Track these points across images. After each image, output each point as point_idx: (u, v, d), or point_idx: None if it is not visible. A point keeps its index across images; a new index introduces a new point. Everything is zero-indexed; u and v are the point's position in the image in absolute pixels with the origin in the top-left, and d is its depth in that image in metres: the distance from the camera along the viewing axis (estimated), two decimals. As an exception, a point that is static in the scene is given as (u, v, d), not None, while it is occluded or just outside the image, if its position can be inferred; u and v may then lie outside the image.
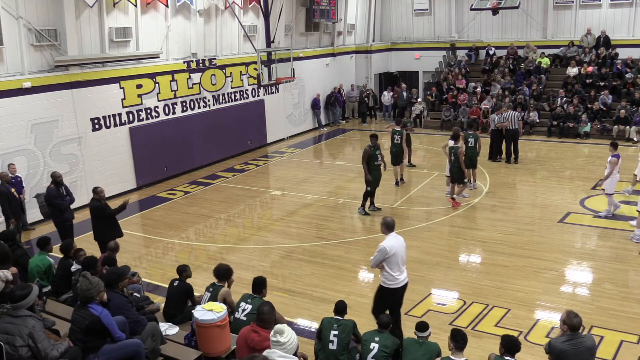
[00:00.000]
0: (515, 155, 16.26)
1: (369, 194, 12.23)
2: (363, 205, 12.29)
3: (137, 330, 5.79)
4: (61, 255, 7.55)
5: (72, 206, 10.42)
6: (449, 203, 12.75)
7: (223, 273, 6.77)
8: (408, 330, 6.32)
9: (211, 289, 6.68)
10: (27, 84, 12.09)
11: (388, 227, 6.71)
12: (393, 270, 6.62)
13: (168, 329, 6.29)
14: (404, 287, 6.81)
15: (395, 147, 14.15)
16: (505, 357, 5.10)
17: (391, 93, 24.09)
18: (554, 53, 22.53)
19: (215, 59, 17.27)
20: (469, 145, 13.43)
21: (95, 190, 9.45)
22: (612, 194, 11.39)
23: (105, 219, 9.39)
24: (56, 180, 9.93)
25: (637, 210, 10.29)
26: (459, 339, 5.23)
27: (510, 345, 5.13)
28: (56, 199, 9.84)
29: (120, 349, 5.25)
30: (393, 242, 6.61)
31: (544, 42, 22.97)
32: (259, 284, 6.37)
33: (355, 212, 12.53)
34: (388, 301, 6.83)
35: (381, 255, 6.59)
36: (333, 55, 23.71)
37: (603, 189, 11.59)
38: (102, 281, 5.48)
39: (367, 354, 5.66)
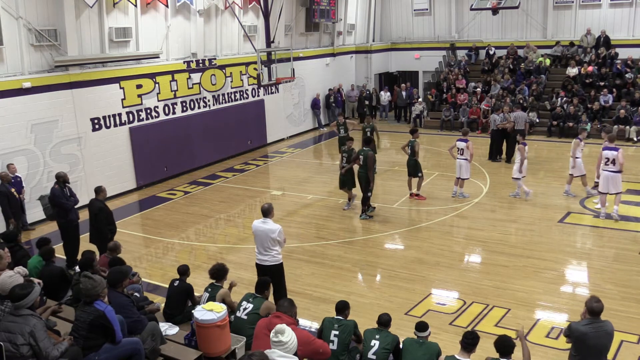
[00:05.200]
0: (516, 156, 16.25)
1: (369, 199, 12.16)
2: (364, 210, 12.18)
3: (138, 330, 5.79)
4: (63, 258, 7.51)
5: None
6: (451, 203, 12.74)
7: (215, 272, 6.78)
8: (408, 330, 6.33)
9: (210, 290, 6.68)
10: (27, 84, 12.09)
11: (261, 211, 7.57)
12: (256, 247, 7.62)
13: (168, 329, 6.28)
14: (259, 267, 7.57)
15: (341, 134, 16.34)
16: (501, 360, 5.12)
17: (388, 93, 24.09)
18: (548, 53, 22.52)
19: (215, 59, 17.28)
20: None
21: (100, 189, 9.40)
22: (519, 179, 12.82)
23: (106, 220, 9.37)
24: (63, 179, 9.87)
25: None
26: (464, 339, 5.27)
27: (502, 346, 5.15)
28: (61, 199, 9.78)
29: (121, 347, 5.25)
30: (256, 224, 7.51)
31: (544, 42, 22.98)
32: (262, 284, 6.38)
33: (355, 212, 12.52)
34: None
35: None
36: (333, 55, 23.71)
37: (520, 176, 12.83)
38: (103, 279, 5.48)
39: (368, 351, 5.69)
